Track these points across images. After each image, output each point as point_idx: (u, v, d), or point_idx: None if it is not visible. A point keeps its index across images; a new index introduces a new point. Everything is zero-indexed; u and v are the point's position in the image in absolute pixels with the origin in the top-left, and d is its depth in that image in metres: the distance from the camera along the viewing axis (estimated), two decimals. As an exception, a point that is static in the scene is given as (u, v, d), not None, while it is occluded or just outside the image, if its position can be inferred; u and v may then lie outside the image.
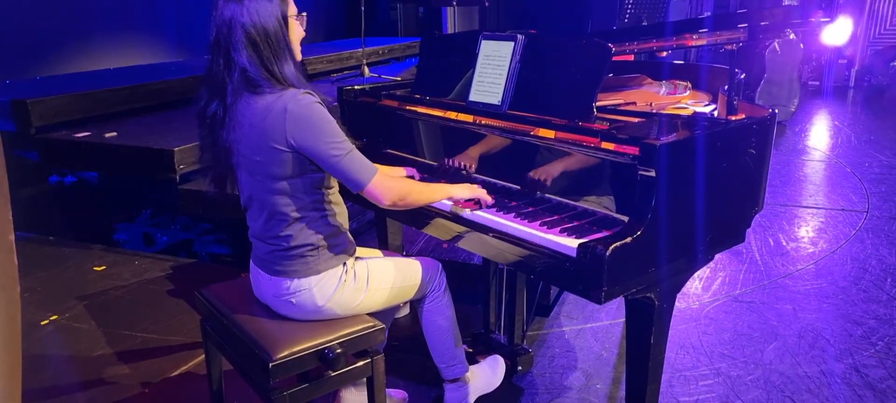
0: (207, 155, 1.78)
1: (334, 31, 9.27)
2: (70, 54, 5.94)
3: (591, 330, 2.77)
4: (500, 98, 2.16)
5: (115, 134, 3.75)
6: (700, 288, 3.14)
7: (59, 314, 2.86)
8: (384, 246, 2.73)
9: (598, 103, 2.61)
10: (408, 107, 2.44)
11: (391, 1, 9.85)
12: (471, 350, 2.42)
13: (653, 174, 1.63)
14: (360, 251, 2.07)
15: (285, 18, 1.69)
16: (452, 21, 8.95)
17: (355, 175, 1.68)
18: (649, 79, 3.07)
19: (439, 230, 2.06)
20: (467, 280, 3.14)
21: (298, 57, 1.75)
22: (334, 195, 1.83)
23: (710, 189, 1.77)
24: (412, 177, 2.29)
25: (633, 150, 1.69)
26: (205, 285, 1.99)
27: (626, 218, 1.72)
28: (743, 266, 3.40)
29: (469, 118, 2.24)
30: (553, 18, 8.50)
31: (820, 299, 3.04)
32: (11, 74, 5.17)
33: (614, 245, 1.56)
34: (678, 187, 1.70)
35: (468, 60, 2.29)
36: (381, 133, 2.58)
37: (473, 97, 2.25)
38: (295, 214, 1.73)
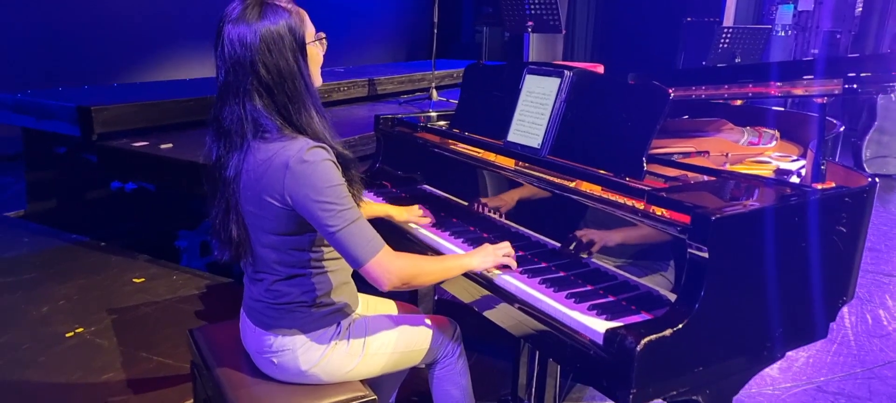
0: (219, 214, 1.52)
1: (416, 51, 9.23)
2: (155, 62, 6.14)
3: (639, 408, 2.42)
4: (540, 141, 1.90)
5: (170, 145, 3.74)
6: (776, 370, 2.71)
7: (86, 327, 2.81)
8: (413, 296, 2.50)
9: (662, 150, 2.30)
10: (444, 143, 2.22)
11: (477, 23, 9.73)
12: (495, 419, 2.15)
13: (705, 254, 1.31)
14: (370, 302, 1.85)
15: (303, 47, 1.44)
16: (534, 48, 8.67)
17: (353, 250, 1.41)
18: (730, 125, 2.71)
19: (456, 288, 1.80)
20: (496, 332, 2.86)
21: (317, 82, 1.51)
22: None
23: (782, 274, 1.43)
24: (426, 216, 2.06)
25: (683, 219, 1.39)
26: (227, 310, 1.81)
27: (674, 298, 1.41)
28: (832, 346, 2.93)
29: (506, 161, 1.99)
30: (642, 48, 8.10)
31: (926, 399, 2.55)
32: (92, 80, 5.37)
33: (648, 338, 1.26)
34: (739, 270, 1.37)
35: (512, 95, 2.04)
36: (416, 167, 2.37)
37: (512, 137, 1.99)
38: (286, 271, 1.53)
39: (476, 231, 2.02)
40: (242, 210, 1.48)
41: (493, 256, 1.64)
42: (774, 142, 2.54)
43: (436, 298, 2.70)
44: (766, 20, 8.66)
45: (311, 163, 1.37)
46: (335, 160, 1.43)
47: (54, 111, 3.85)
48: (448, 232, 2.00)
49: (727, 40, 5.67)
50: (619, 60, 8.16)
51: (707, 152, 2.36)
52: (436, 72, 5.48)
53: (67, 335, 2.74)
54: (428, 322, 1.76)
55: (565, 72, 1.89)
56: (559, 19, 5.26)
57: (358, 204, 1.54)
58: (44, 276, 3.31)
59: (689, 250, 1.34)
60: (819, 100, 1.60)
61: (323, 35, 1.53)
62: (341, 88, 5.56)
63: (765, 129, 2.67)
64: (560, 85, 1.89)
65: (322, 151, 1.40)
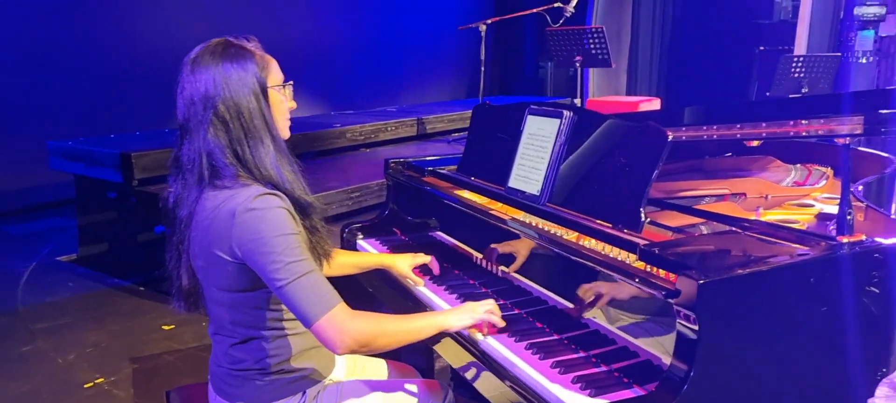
0: (172, 260, 1.49)
1: (476, 89, 9.16)
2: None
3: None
4: (539, 187, 1.75)
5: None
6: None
7: (106, 376, 2.82)
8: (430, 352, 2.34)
9: (691, 193, 2.11)
10: (450, 188, 2.10)
11: (541, 58, 9.60)
12: None
13: (694, 325, 1.12)
14: (357, 363, 1.73)
15: (264, 90, 1.38)
16: (594, 82, 8.46)
17: (302, 307, 1.29)
18: (778, 162, 2.47)
19: (447, 351, 1.65)
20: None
21: (285, 134, 1.45)
22: None
23: (798, 347, 1.21)
24: (430, 267, 1.92)
25: (668, 281, 1.20)
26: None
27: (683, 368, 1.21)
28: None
29: (510, 210, 1.84)
30: (712, 80, 7.71)
31: None
32: (148, 125, 5.58)
33: (624, 424, 1.08)
34: (740, 344, 1.17)
35: (515, 138, 1.90)
36: (428, 213, 2.25)
37: (513, 183, 1.85)
38: (243, 333, 1.42)
39: (476, 284, 1.88)
40: (193, 263, 1.42)
41: (470, 314, 1.49)
42: (824, 181, 2.27)
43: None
44: (844, 47, 8.12)
45: (259, 211, 1.30)
46: (290, 209, 1.35)
47: (101, 158, 3.99)
48: (444, 287, 1.87)
49: (800, 70, 5.30)
50: (687, 93, 7.79)
51: (743, 195, 2.14)
52: (483, 111, 5.38)
53: (86, 385, 2.75)
54: (413, 388, 1.61)
55: (565, 112, 1.74)
56: (608, 53, 5.07)
57: (325, 254, 1.47)
58: (78, 321, 3.37)
59: (679, 320, 1.15)
60: (841, 141, 1.38)
61: (290, 82, 1.46)
62: (389, 128, 5.55)
63: (816, 167, 2.41)
64: (560, 126, 1.74)
65: (273, 198, 1.33)
